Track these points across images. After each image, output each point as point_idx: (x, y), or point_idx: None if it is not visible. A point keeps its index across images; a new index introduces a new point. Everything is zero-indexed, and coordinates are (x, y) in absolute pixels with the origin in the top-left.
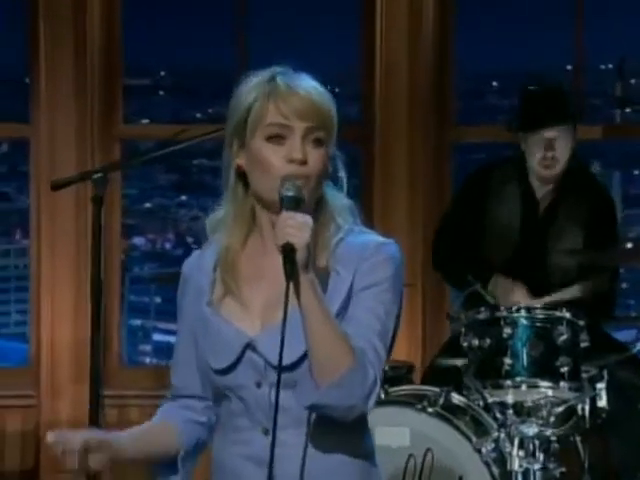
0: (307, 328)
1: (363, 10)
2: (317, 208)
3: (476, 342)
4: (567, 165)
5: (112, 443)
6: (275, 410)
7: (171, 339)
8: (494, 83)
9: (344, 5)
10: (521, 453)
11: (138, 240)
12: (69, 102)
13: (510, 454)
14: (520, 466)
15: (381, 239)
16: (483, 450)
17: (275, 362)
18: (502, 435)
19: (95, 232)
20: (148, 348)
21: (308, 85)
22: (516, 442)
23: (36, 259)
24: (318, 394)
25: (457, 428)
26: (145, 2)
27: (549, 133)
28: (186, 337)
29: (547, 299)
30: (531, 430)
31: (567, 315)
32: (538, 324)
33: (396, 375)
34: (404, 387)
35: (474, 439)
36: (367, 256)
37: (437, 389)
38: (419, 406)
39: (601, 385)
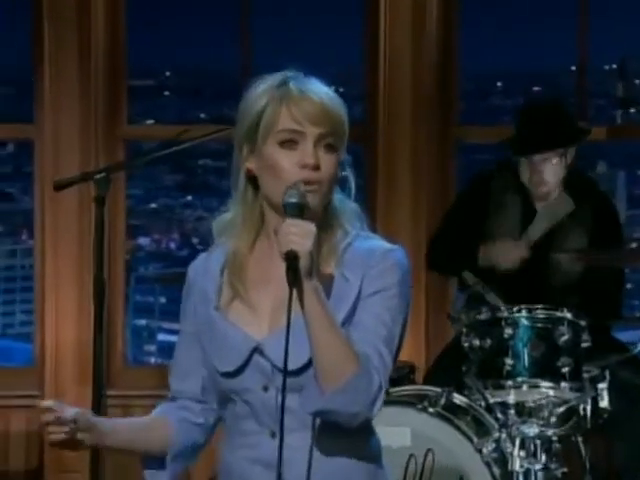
0: (311, 335)
1: (366, 9)
2: (325, 213)
3: (477, 342)
4: (561, 182)
5: (100, 428)
6: (281, 414)
7: (176, 339)
8: (498, 84)
9: (347, 4)
10: (522, 453)
11: (143, 240)
12: (73, 103)
13: (511, 454)
14: (521, 466)
15: (388, 245)
16: (484, 450)
17: (282, 366)
18: (503, 435)
19: (98, 232)
20: (153, 348)
21: (320, 90)
22: (517, 442)
23: (40, 259)
24: (323, 400)
25: (458, 428)
26: (149, 3)
27: (536, 157)
28: (188, 340)
29: None
30: (532, 430)
31: (568, 315)
32: (539, 324)
33: (398, 376)
34: (405, 387)
35: (475, 439)
36: (375, 262)
37: (438, 389)
38: (420, 406)
39: (603, 385)
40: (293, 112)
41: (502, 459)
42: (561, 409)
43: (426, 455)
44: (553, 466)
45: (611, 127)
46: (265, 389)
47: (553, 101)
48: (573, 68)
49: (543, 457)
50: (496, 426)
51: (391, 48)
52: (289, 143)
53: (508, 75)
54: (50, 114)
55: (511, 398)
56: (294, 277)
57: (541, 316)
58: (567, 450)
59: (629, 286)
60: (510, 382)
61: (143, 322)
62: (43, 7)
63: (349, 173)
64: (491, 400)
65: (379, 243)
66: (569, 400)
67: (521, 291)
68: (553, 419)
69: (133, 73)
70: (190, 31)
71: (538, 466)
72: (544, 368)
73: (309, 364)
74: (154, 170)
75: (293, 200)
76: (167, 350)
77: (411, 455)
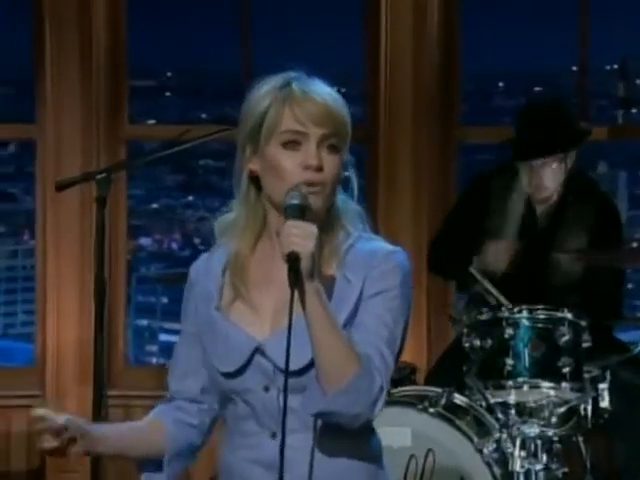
0: (313, 336)
1: (367, 9)
2: (327, 214)
3: (478, 343)
4: (562, 184)
5: (91, 435)
6: (283, 414)
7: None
8: (500, 84)
9: (348, 4)
10: (523, 454)
11: (145, 240)
12: (75, 103)
13: (512, 455)
14: (522, 467)
15: (390, 247)
16: (485, 450)
17: (284, 366)
18: (504, 435)
19: (98, 232)
20: (155, 348)
21: (323, 91)
22: (518, 442)
23: (41, 260)
24: (325, 401)
25: (459, 428)
26: (150, 3)
27: (535, 162)
28: (188, 340)
29: None
30: (533, 430)
31: (569, 316)
32: (540, 325)
33: (400, 376)
34: (406, 387)
35: (476, 439)
36: (376, 264)
37: (439, 389)
38: (421, 406)
39: (603, 385)
40: (296, 113)
41: (503, 459)
42: (562, 409)
43: (427, 455)
44: (554, 466)
45: (612, 127)
46: (266, 389)
47: (553, 102)
48: (574, 68)
49: (544, 457)
50: (497, 426)
51: (392, 49)
52: (292, 144)
53: (509, 75)
54: (52, 114)
55: (512, 398)
56: (295, 278)
57: (542, 316)
58: (568, 450)
59: (630, 286)
60: (511, 382)
61: (145, 322)
62: (44, 7)
63: (352, 174)
64: (492, 400)
65: (381, 245)
66: (570, 400)
67: (522, 291)
68: (554, 419)
69: (134, 73)
70: (191, 31)
71: (539, 466)
72: (545, 368)
73: (311, 365)
74: (155, 170)
75: (295, 202)
76: (169, 350)
77: (412, 455)
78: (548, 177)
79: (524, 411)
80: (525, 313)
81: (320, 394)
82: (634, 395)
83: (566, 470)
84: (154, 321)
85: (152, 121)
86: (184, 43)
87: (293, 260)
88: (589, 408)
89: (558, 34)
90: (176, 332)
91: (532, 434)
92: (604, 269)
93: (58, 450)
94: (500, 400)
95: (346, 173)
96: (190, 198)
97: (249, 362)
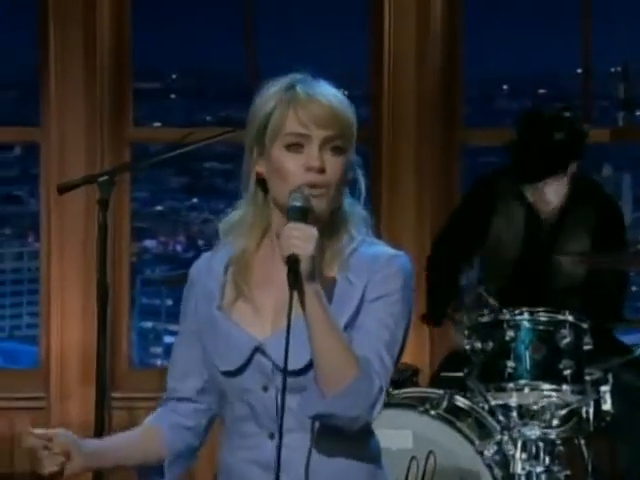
0: (312, 338)
1: (371, 10)
2: (333, 216)
3: (479, 345)
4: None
5: (87, 450)
6: (281, 414)
7: None
8: (504, 87)
9: (352, 6)
10: (524, 456)
11: (149, 243)
12: (79, 105)
13: (513, 457)
14: (523, 469)
15: (392, 251)
16: (486, 453)
17: (283, 366)
18: (505, 438)
19: (101, 235)
20: (159, 350)
21: (328, 93)
22: (519, 445)
23: (46, 262)
24: (323, 404)
25: (460, 431)
26: (155, 4)
27: (537, 183)
28: (186, 339)
29: None
30: (534, 433)
31: (570, 318)
32: (541, 327)
33: (402, 378)
34: (407, 390)
35: (477, 442)
36: (379, 268)
37: (440, 391)
38: (422, 408)
39: (605, 388)
40: (300, 115)
41: (504, 461)
42: (563, 412)
43: (428, 457)
44: (555, 469)
45: (614, 129)
46: (265, 389)
47: (553, 115)
48: (578, 71)
49: (545, 460)
50: (498, 428)
51: (395, 51)
52: (295, 146)
53: (512, 78)
54: (56, 117)
55: (513, 400)
56: (295, 280)
57: (543, 319)
58: (570, 453)
59: (634, 289)
60: (512, 384)
61: (149, 324)
62: (49, 8)
63: (359, 175)
64: (493, 402)
65: (384, 249)
66: (571, 403)
67: (523, 293)
68: (555, 421)
69: (139, 75)
70: (195, 33)
71: (540, 468)
72: (546, 370)
73: (310, 365)
74: (160, 172)
75: (297, 204)
76: None
77: (413, 457)
78: (551, 193)
79: (525, 413)
80: (526, 315)
81: (318, 396)
82: (636, 398)
83: (568, 473)
84: (159, 323)
85: (157, 123)
86: (188, 45)
87: (292, 262)
88: (591, 411)
89: (561, 37)
90: None
91: (533, 436)
92: (607, 272)
93: (58, 473)
94: (501, 402)
95: (354, 175)
96: (195, 200)
97: (249, 361)
